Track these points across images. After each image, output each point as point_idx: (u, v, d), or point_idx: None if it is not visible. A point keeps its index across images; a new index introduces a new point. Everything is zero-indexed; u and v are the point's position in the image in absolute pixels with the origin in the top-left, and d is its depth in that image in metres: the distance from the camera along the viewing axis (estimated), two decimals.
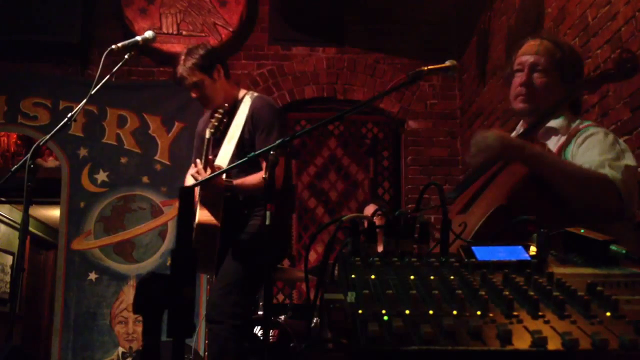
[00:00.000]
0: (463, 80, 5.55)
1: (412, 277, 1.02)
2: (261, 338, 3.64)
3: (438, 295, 0.92)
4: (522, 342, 0.81)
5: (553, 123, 1.96)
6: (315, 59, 5.58)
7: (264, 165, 2.80)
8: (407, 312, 0.88)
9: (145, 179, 5.19)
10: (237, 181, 2.82)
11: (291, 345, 3.81)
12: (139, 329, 4.84)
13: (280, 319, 4.07)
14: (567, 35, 3.51)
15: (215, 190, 2.78)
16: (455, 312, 0.88)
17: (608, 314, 0.89)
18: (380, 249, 1.14)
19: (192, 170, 2.85)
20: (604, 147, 1.82)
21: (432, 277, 1.03)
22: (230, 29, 5.41)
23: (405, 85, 2.15)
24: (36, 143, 2.45)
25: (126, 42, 2.66)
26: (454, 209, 1.91)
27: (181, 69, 2.91)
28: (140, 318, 1.05)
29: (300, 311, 4.23)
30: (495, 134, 1.87)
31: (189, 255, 1.06)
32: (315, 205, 5.52)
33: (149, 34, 2.73)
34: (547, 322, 0.87)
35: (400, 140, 5.67)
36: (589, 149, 1.83)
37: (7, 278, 7.68)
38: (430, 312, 0.88)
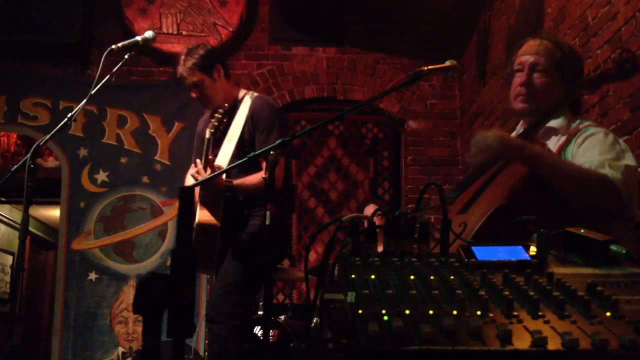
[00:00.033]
0: (463, 80, 5.55)
1: (412, 277, 1.02)
2: (261, 338, 3.63)
3: (438, 295, 0.92)
4: (522, 342, 0.81)
5: (553, 123, 1.96)
6: (315, 59, 5.58)
7: (264, 165, 2.80)
8: (407, 312, 0.88)
9: (145, 179, 5.19)
10: (237, 181, 2.82)
11: (291, 345, 3.81)
12: (139, 329, 4.84)
13: (280, 319, 4.07)
14: (567, 35, 3.51)
15: (215, 190, 2.78)
16: (455, 312, 0.88)
17: (608, 314, 0.89)
18: (380, 249, 1.14)
19: (192, 170, 2.85)
20: (604, 147, 1.82)
21: (432, 277, 1.03)
22: (230, 29, 5.41)
23: (405, 85, 2.15)
24: (36, 143, 2.45)
25: (126, 42, 2.66)
26: (454, 209, 1.91)
27: (181, 69, 2.91)
28: (140, 318, 1.05)
29: (300, 311, 4.23)
30: (495, 133, 1.87)
31: (189, 255, 1.06)
32: (315, 205, 5.52)
33: (149, 34, 2.73)
34: (547, 322, 0.87)
35: (400, 140, 5.67)
36: (589, 149, 1.83)
37: (7, 278, 7.68)
38: (430, 312, 0.88)
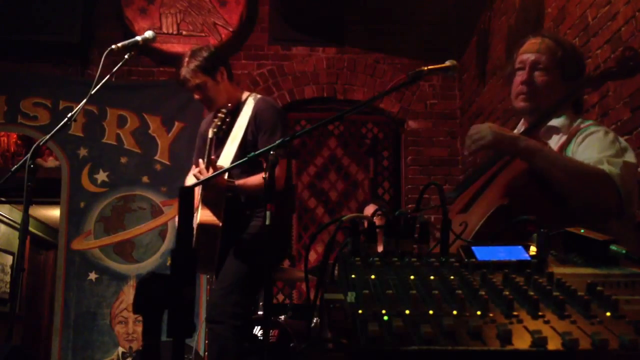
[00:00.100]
0: (463, 80, 5.55)
1: (412, 277, 1.02)
2: (261, 338, 3.64)
3: (438, 295, 0.92)
4: (522, 342, 0.81)
5: (554, 122, 1.96)
6: (315, 59, 5.58)
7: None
8: (407, 312, 0.88)
9: (145, 179, 5.19)
10: (239, 182, 2.83)
11: (291, 345, 3.81)
12: (139, 329, 4.84)
13: (280, 319, 4.07)
14: (567, 35, 3.51)
15: (217, 190, 2.79)
16: (455, 312, 0.88)
17: (608, 314, 0.89)
18: (380, 249, 1.14)
19: (194, 170, 2.86)
20: (603, 145, 1.81)
21: (432, 277, 1.03)
22: (230, 29, 5.41)
23: (405, 85, 2.15)
24: (36, 143, 2.45)
25: (126, 42, 2.66)
26: (454, 209, 1.91)
27: (184, 71, 2.91)
28: (140, 318, 1.05)
29: (300, 311, 4.23)
30: (488, 125, 1.87)
31: (189, 255, 1.06)
32: (315, 205, 5.52)
33: (149, 34, 2.73)
34: (547, 322, 0.86)
35: (400, 140, 5.67)
36: (589, 147, 1.83)
37: (7, 278, 7.68)
38: (430, 312, 0.88)
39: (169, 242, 5.09)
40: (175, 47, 5.25)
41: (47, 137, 2.51)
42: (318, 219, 5.46)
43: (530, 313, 0.89)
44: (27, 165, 2.35)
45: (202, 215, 2.75)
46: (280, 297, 5.29)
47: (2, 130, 5.57)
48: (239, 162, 2.40)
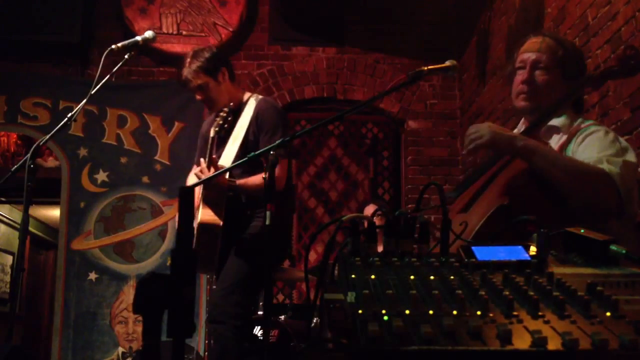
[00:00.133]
0: (463, 80, 5.55)
1: (412, 277, 1.02)
2: (261, 338, 3.63)
3: (438, 295, 0.92)
4: (522, 342, 0.81)
5: (555, 122, 1.95)
6: (315, 59, 5.58)
7: None
8: (407, 312, 0.87)
9: (145, 179, 5.19)
10: (240, 181, 2.83)
11: (291, 345, 3.81)
12: (139, 329, 4.84)
13: (280, 319, 4.07)
14: (567, 35, 3.51)
15: (218, 190, 2.79)
16: (455, 312, 0.88)
17: (608, 314, 0.89)
18: (380, 249, 1.14)
19: (195, 169, 2.86)
20: (603, 144, 1.81)
21: (432, 277, 1.03)
22: (230, 29, 5.41)
23: (405, 85, 2.15)
24: (36, 143, 2.45)
25: (126, 42, 2.66)
26: (454, 209, 1.91)
27: (186, 72, 2.91)
28: (140, 318, 1.05)
29: (300, 311, 4.23)
30: (486, 124, 1.87)
31: (189, 255, 1.06)
32: (315, 205, 5.52)
33: (149, 34, 2.73)
34: (547, 322, 0.86)
35: (400, 140, 5.67)
36: (589, 147, 1.82)
37: (7, 278, 7.68)
38: (430, 312, 0.88)
39: (169, 242, 5.09)
40: (175, 47, 5.25)
41: (47, 137, 2.51)
42: (318, 219, 5.46)
43: (530, 313, 0.89)
44: (27, 165, 2.35)
45: (203, 214, 2.75)
46: (280, 297, 5.29)
47: (2, 130, 5.57)
48: (240, 161, 2.40)
